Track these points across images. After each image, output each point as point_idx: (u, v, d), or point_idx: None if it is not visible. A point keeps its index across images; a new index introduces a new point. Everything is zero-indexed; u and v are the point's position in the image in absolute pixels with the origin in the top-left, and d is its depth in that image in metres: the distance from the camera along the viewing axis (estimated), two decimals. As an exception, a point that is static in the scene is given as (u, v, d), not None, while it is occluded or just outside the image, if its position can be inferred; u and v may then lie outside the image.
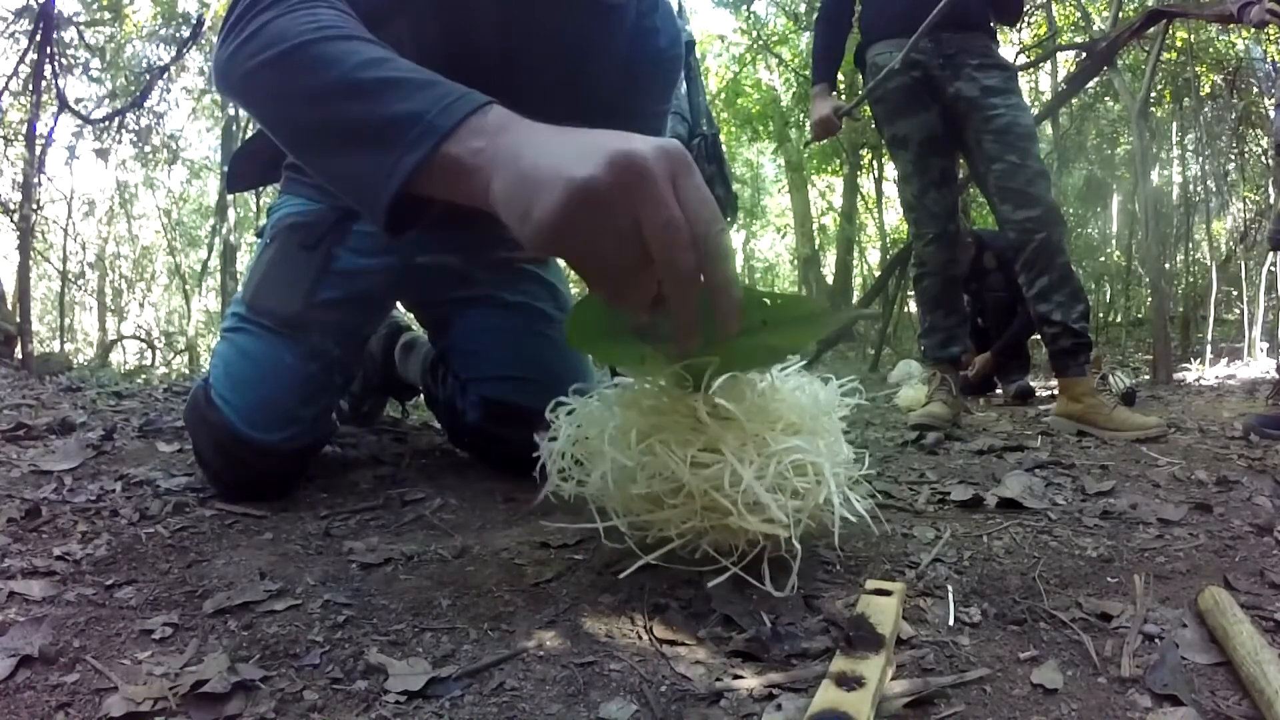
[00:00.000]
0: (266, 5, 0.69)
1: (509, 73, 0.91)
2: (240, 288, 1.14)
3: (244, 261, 7.88)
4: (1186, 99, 6.36)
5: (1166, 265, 6.11)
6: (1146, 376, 4.12)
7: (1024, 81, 7.66)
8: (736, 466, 0.65)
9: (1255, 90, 5.95)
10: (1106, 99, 7.62)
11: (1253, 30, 3.29)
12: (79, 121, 6.40)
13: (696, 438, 0.67)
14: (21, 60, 4.83)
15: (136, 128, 7.28)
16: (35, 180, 5.02)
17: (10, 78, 5.11)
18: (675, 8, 1.13)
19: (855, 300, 8.21)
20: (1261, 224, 6.24)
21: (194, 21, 6.52)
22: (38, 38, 4.53)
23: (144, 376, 4.39)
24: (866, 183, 9.45)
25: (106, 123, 6.70)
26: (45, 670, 0.57)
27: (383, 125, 0.60)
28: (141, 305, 12.84)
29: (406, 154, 0.58)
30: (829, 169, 9.96)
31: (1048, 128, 6.58)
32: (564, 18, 0.96)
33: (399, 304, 1.41)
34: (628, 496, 0.71)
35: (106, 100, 7.03)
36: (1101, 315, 8.28)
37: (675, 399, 0.70)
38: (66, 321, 11.03)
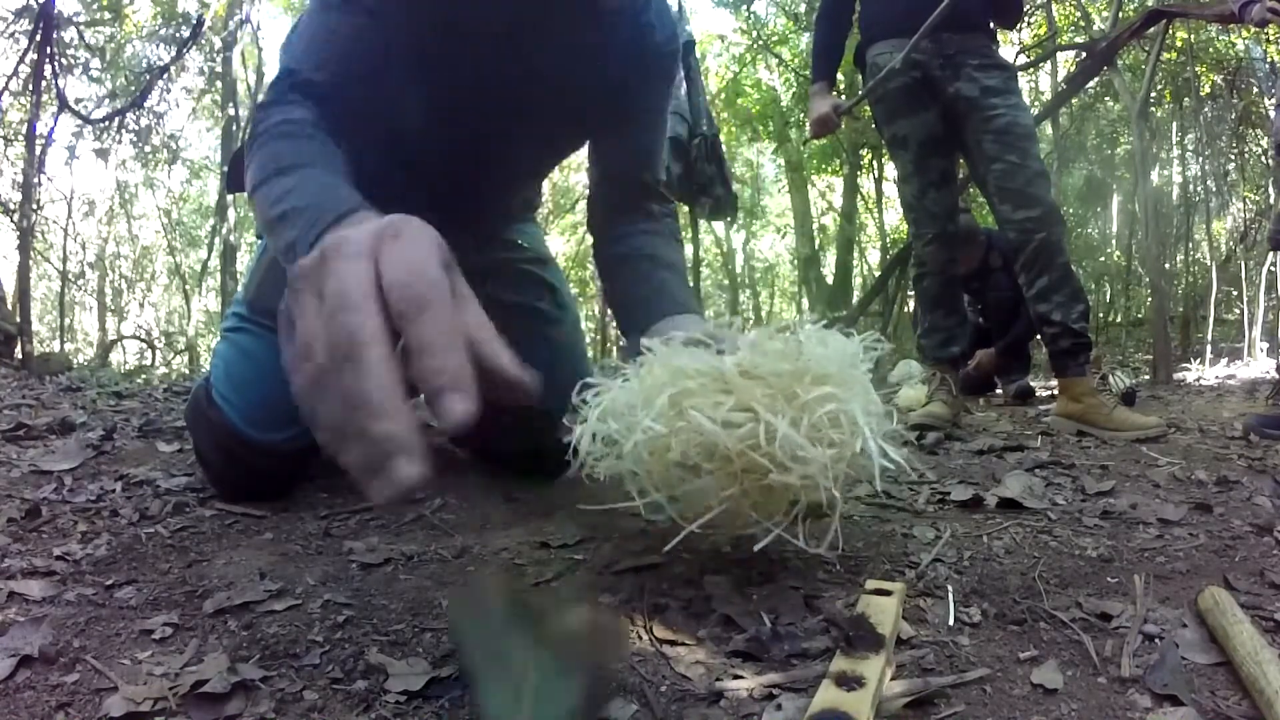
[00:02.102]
0: (259, 133, 0.75)
1: (509, 71, 0.92)
2: (240, 288, 1.13)
3: (244, 261, 7.88)
4: (1186, 99, 6.36)
5: (1166, 265, 6.11)
6: (1146, 376, 4.12)
7: (1024, 81, 7.66)
8: (770, 419, 0.64)
9: (1255, 90, 5.96)
10: (1106, 99, 7.62)
11: (1253, 30, 3.29)
12: (79, 121, 6.41)
13: (726, 399, 0.67)
14: (21, 60, 4.84)
15: (136, 128, 7.30)
16: (35, 180, 5.03)
17: (10, 78, 5.11)
18: (675, 7, 1.13)
19: (855, 300, 8.15)
20: (1261, 224, 6.25)
21: (194, 21, 6.53)
22: (38, 38, 4.53)
23: (144, 376, 4.40)
24: (866, 183, 9.45)
25: (106, 123, 6.71)
26: (45, 670, 0.57)
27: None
28: (141, 305, 12.84)
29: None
30: (829, 169, 9.95)
31: (1048, 128, 6.56)
32: (568, 22, 0.96)
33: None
34: (664, 467, 0.71)
35: (106, 100, 7.05)
36: (1101, 315, 8.28)
37: (700, 362, 0.70)
38: (66, 321, 11.04)
